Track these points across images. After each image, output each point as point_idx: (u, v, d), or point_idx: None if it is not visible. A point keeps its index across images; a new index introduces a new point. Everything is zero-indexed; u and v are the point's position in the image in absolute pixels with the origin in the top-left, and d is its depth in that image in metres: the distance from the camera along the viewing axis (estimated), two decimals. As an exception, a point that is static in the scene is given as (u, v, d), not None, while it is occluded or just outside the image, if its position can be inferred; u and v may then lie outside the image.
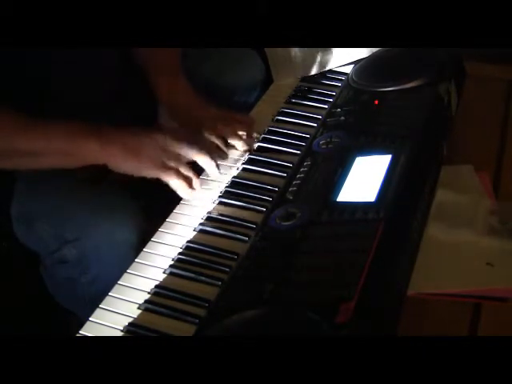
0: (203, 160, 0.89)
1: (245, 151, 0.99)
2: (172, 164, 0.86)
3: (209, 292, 0.76)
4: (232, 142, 0.99)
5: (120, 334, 0.73)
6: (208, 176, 0.93)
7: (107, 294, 0.78)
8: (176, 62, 1.06)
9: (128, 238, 0.88)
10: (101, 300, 0.77)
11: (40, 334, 1.08)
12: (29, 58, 0.92)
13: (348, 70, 1.13)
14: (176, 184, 0.86)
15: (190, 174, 0.87)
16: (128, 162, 0.85)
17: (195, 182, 0.88)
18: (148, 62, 1.05)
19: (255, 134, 1.02)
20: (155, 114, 1.04)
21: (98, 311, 0.76)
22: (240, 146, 0.99)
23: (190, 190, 0.87)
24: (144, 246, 0.84)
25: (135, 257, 0.83)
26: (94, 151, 0.84)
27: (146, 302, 0.76)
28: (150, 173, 0.85)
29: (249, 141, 1.00)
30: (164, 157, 0.85)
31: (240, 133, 0.99)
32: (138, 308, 0.75)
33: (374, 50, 1.13)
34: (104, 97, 1.01)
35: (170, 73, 1.04)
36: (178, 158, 0.87)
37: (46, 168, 0.87)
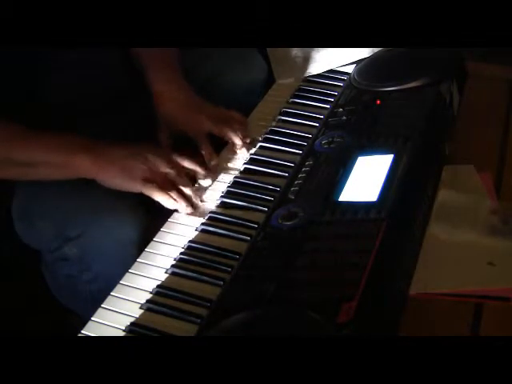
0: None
1: (240, 152, 0.98)
2: (155, 178, 0.86)
3: (211, 292, 0.76)
4: (230, 140, 0.99)
5: (122, 333, 0.73)
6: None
7: (109, 293, 0.78)
8: (174, 59, 1.06)
9: (129, 235, 0.88)
10: (102, 298, 0.77)
11: (42, 333, 1.08)
12: (27, 59, 0.92)
13: (350, 69, 1.13)
14: (159, 198, 0.86)
15: (177, 186, 0.87)
16: (115, 178, 0.87)
17: (187, 193, 0.88)
18: (146, 59, 1.04)
19: (248, 140, 1.00)
20: (154, 115, 1.04)
21: (99, 311, 0.76)
22: (238, 145, 0.98)
23: (174, 202, 0.87)
24: (146, 245, 0.84)
25: (137, 254, 0.83)
26: (83, 166, 0.86)
27: (148, 301, 0.76)
28: (134, 188, 0.86)
29: (245, 142, 0.99)
30: (148, 173, 0.86)
31: (238, 132, 0.99)
32: (140, 308, 0.76)
33: (376, 49, 1.13)
34: (104, 98, 1.01)
35: (167, 70, 1.04)
36: (163, 173, 0.87)
37: (37, 179, 0.89)
